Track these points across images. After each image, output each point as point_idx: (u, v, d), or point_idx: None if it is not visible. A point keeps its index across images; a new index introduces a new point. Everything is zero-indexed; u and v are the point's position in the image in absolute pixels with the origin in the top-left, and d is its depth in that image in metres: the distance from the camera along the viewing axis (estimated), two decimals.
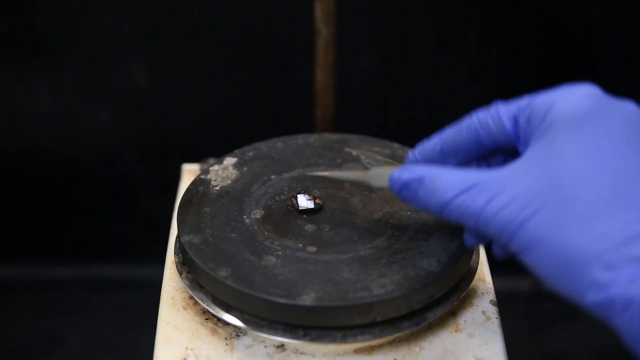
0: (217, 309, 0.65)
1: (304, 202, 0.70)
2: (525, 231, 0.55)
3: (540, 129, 0.58)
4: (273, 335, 0.63)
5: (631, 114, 0.56)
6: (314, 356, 0.63)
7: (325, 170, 0.74)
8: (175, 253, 0.70)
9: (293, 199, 0.70)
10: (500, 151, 0.63)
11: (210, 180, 0.74)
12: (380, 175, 0.66)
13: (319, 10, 0.97)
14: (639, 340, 0.52)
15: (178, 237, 0.69)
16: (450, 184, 0.59)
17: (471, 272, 0.68)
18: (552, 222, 0.54)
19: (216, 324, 0.65)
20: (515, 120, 0.60)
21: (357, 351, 0.64)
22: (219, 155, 0.78)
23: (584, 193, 0.54)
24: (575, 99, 0.57)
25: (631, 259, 0.51)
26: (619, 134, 0.55)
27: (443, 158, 0.64)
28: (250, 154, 0.77)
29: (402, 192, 0.61)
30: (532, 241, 0.54)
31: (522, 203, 0.55)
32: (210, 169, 0.75)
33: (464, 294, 0.67)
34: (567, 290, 0.54)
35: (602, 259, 0.52)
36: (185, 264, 0.68)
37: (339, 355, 0.63)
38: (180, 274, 0.68)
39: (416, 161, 0.65)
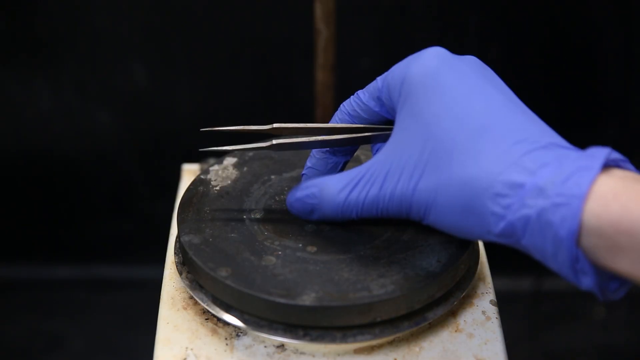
0: (217, 309, 0.65)
1: None
2: (419, 196, 0.58)
3: (401, 99, 0.61)
4: (273, 335, 0.63)
5: (475, 62, 0.61)
6: (314, 356, 0.63)
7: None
8: (175, 253, 0.70)
9: None
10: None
11: (210, 180, 0.74)
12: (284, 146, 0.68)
13: (319, 10, 0.97)
14: (547, 256, 0.55)
15: (178, 237, 0.69)
16: (337, 187, 0.63)
17: (471, 272, 0.68)
18: (439, 176, 0.57)
19: (216, 324, 0.65)
20: (379, 100, 0.64)
21: (357, 351, 0.63)
22: (219, 155, 0.78)
23: (457, 141, 0.57)
24: (422, 62, 0.61)
25: (513, 184, 0.54)
26: (470, 79, 0.59)
27: (333, 162, 0.69)
28: (250, 154, 0.77)
29: (300, 211, 0.66)
30: (429, 201, 0.58)
31: (408, 173, 0.58)
32: (210, 169, 0.75)
33: (464, 294, 0.67)
34: (477, 232, 0.57)
35: (490, 191, 0.55)
36: (185, 264, 0.68)
37: (339, 355, 0.63)
38: (180, 274, 0.68)
39: (308, 177, 0.69)
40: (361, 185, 0.61)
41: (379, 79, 0.64)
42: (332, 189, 0.63)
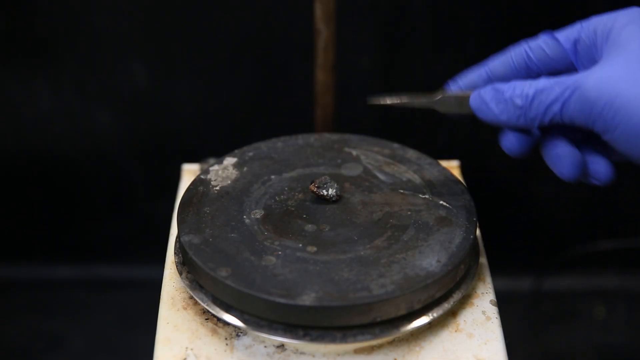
0: (217, 309, 0.65)
1: (330, 191, 0.71)
2: (622, 99, 0.56)
3: (612, 34, 0.60)
4: (273, 335, 0.63)
5: None
6: (314, 356, 0.63)
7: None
8: (175, 253, 0.70)
9: (313, 186, 0.70)
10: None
11: (210, 180, 0.74)
12: (450, 99, 0.66)
13: (319, 10, 0.97)
14: None
15: (178, 237, 0.69)
16: (541, 80, 0.60)
17: (471, 272, 0.68)
18: None
19: (216, 324, 0.65)
20: (575, 43, 0.62)
21: (357, 351, 0.64)
22: (219, 155, 0.78)
23: None
24: (634, 12, 0.60)
25: None
26: None
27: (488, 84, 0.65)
28: (250, 154, 0.77)
29: (489, 102, 0.63)
30: (630, 107, 0.56)
31: (616, 77, 0.57)
32: (210, 169, 0.75)
33: (464, 294, 0.67)
34: None
35: None
36: (185, 264, 0.68)
37: (339, 355, 0.63)
38: (180, 274, 0.68)
39: (460, 89, 0.66)
40: (564, 81, 0.59)
41: (579, 23, 0.63)
42: (534, 81, 0.60)
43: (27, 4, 1.23)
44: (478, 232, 0.72)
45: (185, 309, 0.67)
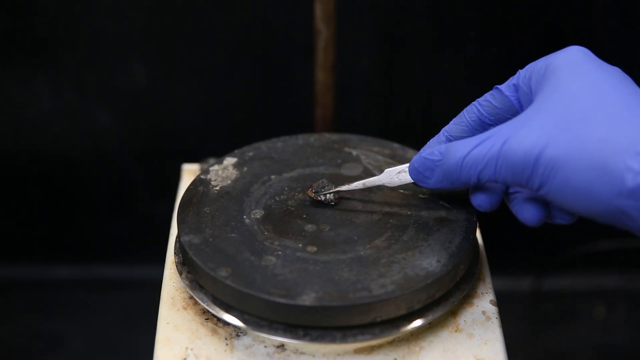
0: (217, 309, 0.65)
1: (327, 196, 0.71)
2: (548, 154, 0.57)
3: (543, 80, 0.61)
4: (273, 335, 0.63)
5: (618, 70, 0.61)
6: (314, 356, 0.63)
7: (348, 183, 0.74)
8: (175, 253, 0.70)
9: (311, 192, 0.70)
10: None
11: (210, 180, 0.74)
12: (391, 173, 0.69)
13: (319, 10, 0.97)
14: None
15: (178, 237, 0.69)
16: (462, 144, 0.61)
17: (471, 272, 0.68)
18: (575, 135, 0.56)
19: (216, 324, 0.65)
20: (516, 87, 0.64)
21: (357, 351, 0.64)
22: (219, 155, 0.78)
23: (600, 109, 0.57)
24: (571, 53, 0.62)
25: None
26: (614, 73, 0.60)
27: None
28: (250, 154, 0.77)
29: (424, 171, 0.65)
30: (559, 160, 0.56)
31: (538, 133, 0.57)
32: (210, 169, 0.75)
33: (464, 294, 0.67)
34: (605, 195, 0.56)
35: (631, 150, 0.54)
36: (185, 264, 0.68)
37: (339, 355, 0.63)
38: (180, 274, 0.68)
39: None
40: (487, 143, 0.60)
41: (519, 70, 0.65)
42: (457, 146, 0.62)
43: (27, 4, 1.23)
44: (478, 232, 0.72)
45: (185, 309, 0.67)
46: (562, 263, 1.36)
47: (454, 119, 0.68)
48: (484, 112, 0.66)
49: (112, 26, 1.25)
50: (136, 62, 1.28)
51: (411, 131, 1.31)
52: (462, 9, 1.23)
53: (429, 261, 0.64)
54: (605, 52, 1.26)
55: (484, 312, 0.67)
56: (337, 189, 0.71)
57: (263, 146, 0.78)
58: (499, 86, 0.66)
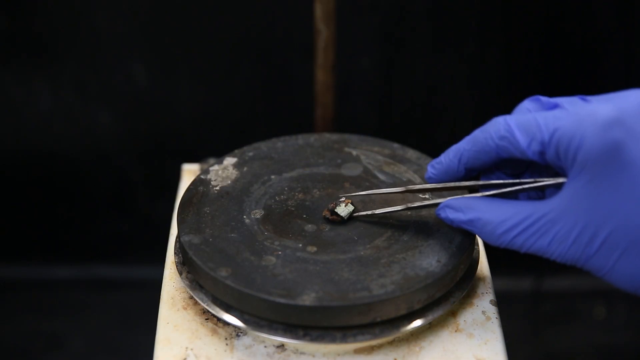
0: (217, 309, 0.65)
1: (344, 210, 0.69)
2: (594, 262, 0.58)
3: (575, 167, 0.57)
4: (273, 335, 0.63)
5: None
6: (314, 356, 0.63)
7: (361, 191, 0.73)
8: (175, 253, 0.70)
9: (329, 213, 0.69)
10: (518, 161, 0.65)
11: (210, 180, 0.74)
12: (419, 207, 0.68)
13: (319, 10, 0.97)
14: None
15: (178, 237, 0.69)
16: (500, 228, 0.61)
17: (471, 272, 0.68)
18: (617, 252, 0.58)
19: (216, 324, 0.65)
20: (541, 154, 0.59)
21: (357, 351, 0.64)
22: (219, 155, 0.78)
23: None
24: (603, 132, 0.56)
25: None
26: None
27: (467, 174, 0.66)
28: (250, 154, 0.77)
29: (457, 228, 0.65)
30: (604, 267, 0.58)
31: (584, 238, 0.58)
32: (210, 169, 0.75)
33: (464, 294, 0.67)
34: None
35: None
36: (185, 264, 0.68)
37: (339, 355, 0.63)
38: (180, 274, 0.68)
39: (437, 179, 0.67)
40: (529, 232, 0.60)
41: (543, 130, 0.59)
42: (494, 226, 0.61)
43: (27, 4, 1.23)
44: None
45: (185, 309, 0.67)
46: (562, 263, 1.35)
47: (470, 151, 0.63)
48: (503, 155, 0.62)
49: (112, 26, 1.25)
50: (136, 62, 1.28)
51: (411, 131, 1.31)
52: (462, 9, 1.23)
53: (429, 261, 0.64)
54: (605, 52, 1.27)
55: (484, 312, 0.67)
56: (377, 211, 0.69)
57: (263, 146, 0.78)
58: (520, 141, 0.60)
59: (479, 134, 0.63)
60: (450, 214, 0.64)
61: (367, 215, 0.69)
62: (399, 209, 0.68)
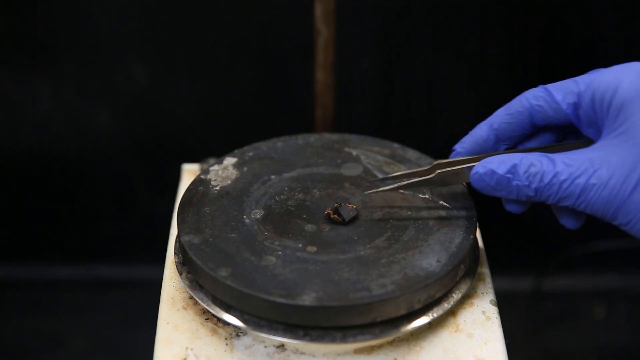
0: (217, 309, 0.65)
1: (347, 212, 0.69)
2: (632, 202, 0.58)
3: (611, 112, 0.60)
4: (273, 335, 0.63)
5: None
6: (314, 356, 0.63)
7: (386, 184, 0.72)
8: (175, 253, 0.70)
9: (332, 214, 0.69)
10: (551, 128, 0.66)
11: (210, 180, 0.74)
12: (446, 175, 0.67)
13: (319, 10, 0.97)
14: None
15: (178, 237, 0.69)
16: (544, 169, 0.61)
17: (471, 272, 0.68)
18: None
19: (216, 324, 0.65)
20: (575, 106, 0.62)
21: (357, 351, 0.64)
22: (219, 155, 0.78)
23: None
24: (637, 79, 0.59)
25: None
26: None
27: (497, 145, 0.67)
28: (250, 154, 0.77)
29: (496, 185, 0.63)
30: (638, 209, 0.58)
31: (622, 177, 0.58)
32: (210, 169, 0.75)
33: (464, 294, 0.67)
34: None
35: None
36: (185, 264, 0.68)
37: (339, 355, 0.63)
38: (180, 274, 0.68)
39: (467, 152, 0.67)
40: (574, 174, 0.60)
41: (577, 80, 0.63)
42: (537, 168, 0.61)
43: (27, 4, 1.23)
44: (478, 232, 0.72)
45: (185, 309, 0.67)
46: (562, 263, 1.36)
47: (503, 117, 0.66)
48: (537, 117, 0.65)
49: (112, 26, 1.25)
50: (136, 62, 1.28)
51: (411, 131, 1.31)
52: (462, 9, 1.23)
53: (429, 261, 0.64)
54: (605, 52, 1.27)
55: (484, 312, 0.67)
56: (385, 188, 0.69)
57: (263, 146, 0.78)
58: (555, 95, 0.64)
59: (513, 100, 0.66)
60: (493, 166, 0.63)
61: (391, 189, 0.69)
62: (428, 177, 0.68)
